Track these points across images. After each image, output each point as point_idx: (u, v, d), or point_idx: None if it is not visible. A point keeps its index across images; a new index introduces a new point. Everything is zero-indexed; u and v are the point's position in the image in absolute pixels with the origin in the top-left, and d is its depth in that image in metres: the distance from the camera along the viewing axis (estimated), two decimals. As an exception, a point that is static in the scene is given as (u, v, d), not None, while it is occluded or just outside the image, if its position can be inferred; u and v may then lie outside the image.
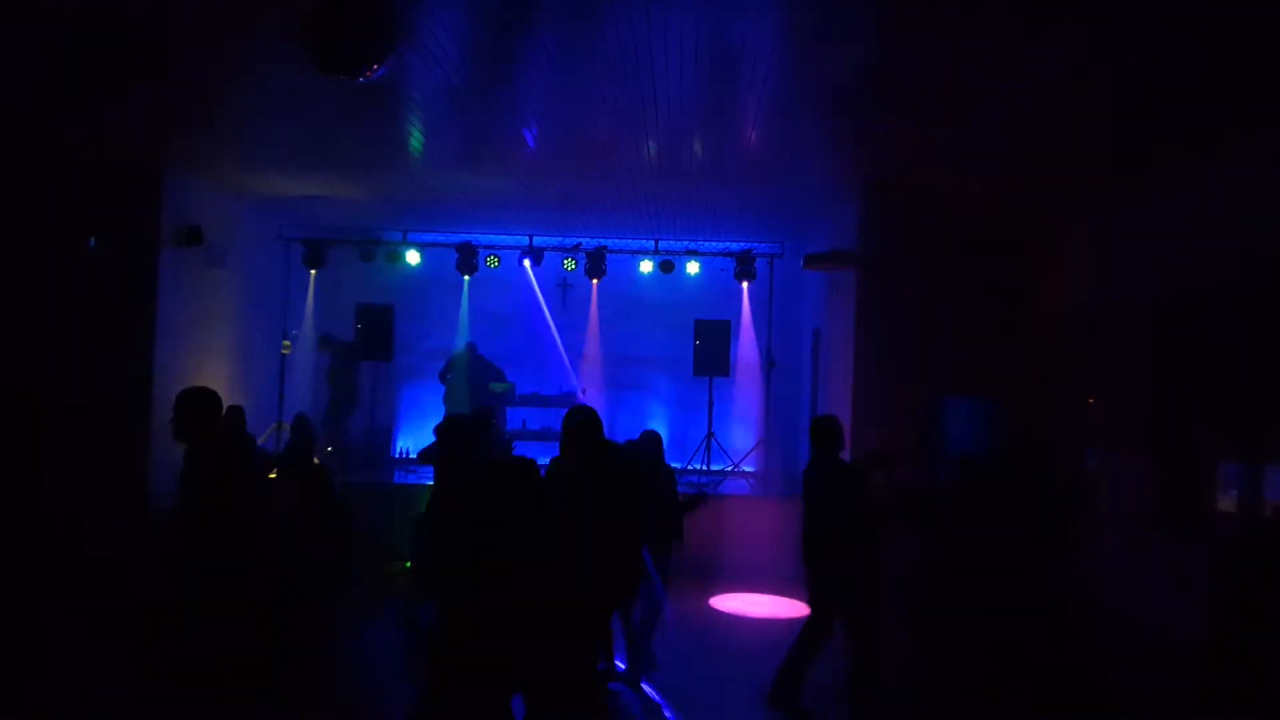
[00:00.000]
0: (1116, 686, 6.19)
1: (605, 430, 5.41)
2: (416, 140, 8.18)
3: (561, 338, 13.62)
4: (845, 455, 6.66)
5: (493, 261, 12.91)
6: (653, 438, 7.31)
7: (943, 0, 4.93)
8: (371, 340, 12.47)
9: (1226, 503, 6.56)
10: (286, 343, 12.39)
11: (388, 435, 12.83)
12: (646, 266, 13.08)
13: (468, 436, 6.80)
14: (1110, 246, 8.19)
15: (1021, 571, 6.05)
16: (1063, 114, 6.57)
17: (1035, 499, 6.22)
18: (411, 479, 11.13)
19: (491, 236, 12.90)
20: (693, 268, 13.06)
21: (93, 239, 8.87)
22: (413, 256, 12.92)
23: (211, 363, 10.20)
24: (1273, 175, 6.11)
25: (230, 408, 9.98)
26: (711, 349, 12.32)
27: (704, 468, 12.22)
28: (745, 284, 12.78)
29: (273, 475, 8.07)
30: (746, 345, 13.08)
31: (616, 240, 12.91)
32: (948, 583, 6.48)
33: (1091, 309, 8.33)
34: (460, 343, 13.00)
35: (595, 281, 12.95)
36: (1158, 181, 7.39)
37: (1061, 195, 8.49)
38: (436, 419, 12.65)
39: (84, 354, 8.68)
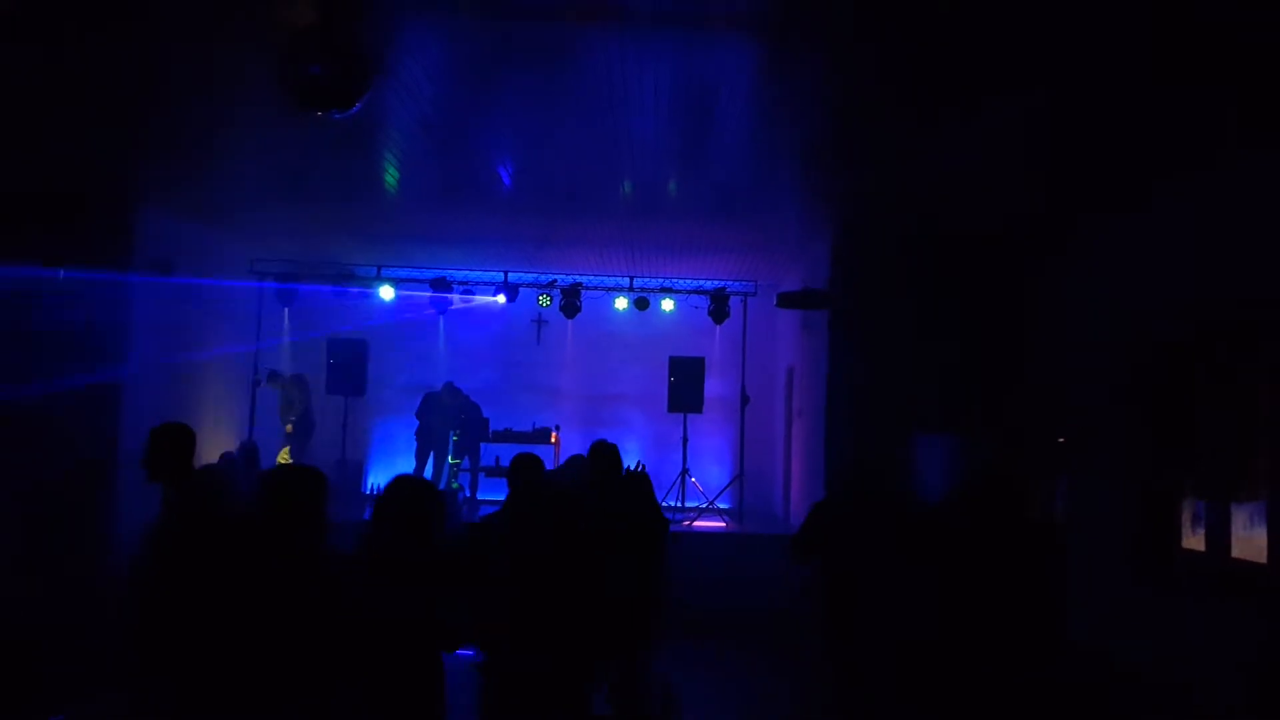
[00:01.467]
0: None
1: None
2: (391, 177, 8.19)
3: (536, 374, 13.59)
4: None
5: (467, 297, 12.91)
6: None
7: (912, 45, 5.02)
8: (344, 375, 12.38)
9: (1195, 540, 6.62)
10: (258, 378, 12.26)
11: (359, 471, 12.69)
12: (621, 304, 13.12)
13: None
14: (1083, 285, 8.29)
15: (997, 608, 6.05)
16: (1034, 156, 6.70)
17: (1007, 537, 6.24)
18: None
19: (466, 272, 12.90)
20: (667, 305, 13.10)
21: (62, 270, 8.78)
22: (386, 292, 12.89)
23: (182, 396, 10.06)
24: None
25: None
26: (686, 386, 12.32)
27: (679, 504, 12.18)
28: (719, 322, 12.84)
29: None
30: (720, 382, 13.11)
31: (592, 277, 12.94)
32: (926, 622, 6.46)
33: (1065, 347, 8.43)
34: (437, 378, 12.92)
35: (570, 318, 12.97)
36: (1137, 220, 7.50)
37: (1034, 236, 8.61)
38: (409, 455, 12.65)
39: (53, 386, 8.55)
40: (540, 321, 13.55)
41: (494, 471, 12.23)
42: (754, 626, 9.12)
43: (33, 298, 8.66)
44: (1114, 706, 6.48)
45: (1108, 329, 7.69)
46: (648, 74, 5.54)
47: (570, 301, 12.78)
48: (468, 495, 12.39)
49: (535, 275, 12.93)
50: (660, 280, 12.98)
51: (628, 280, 12.95)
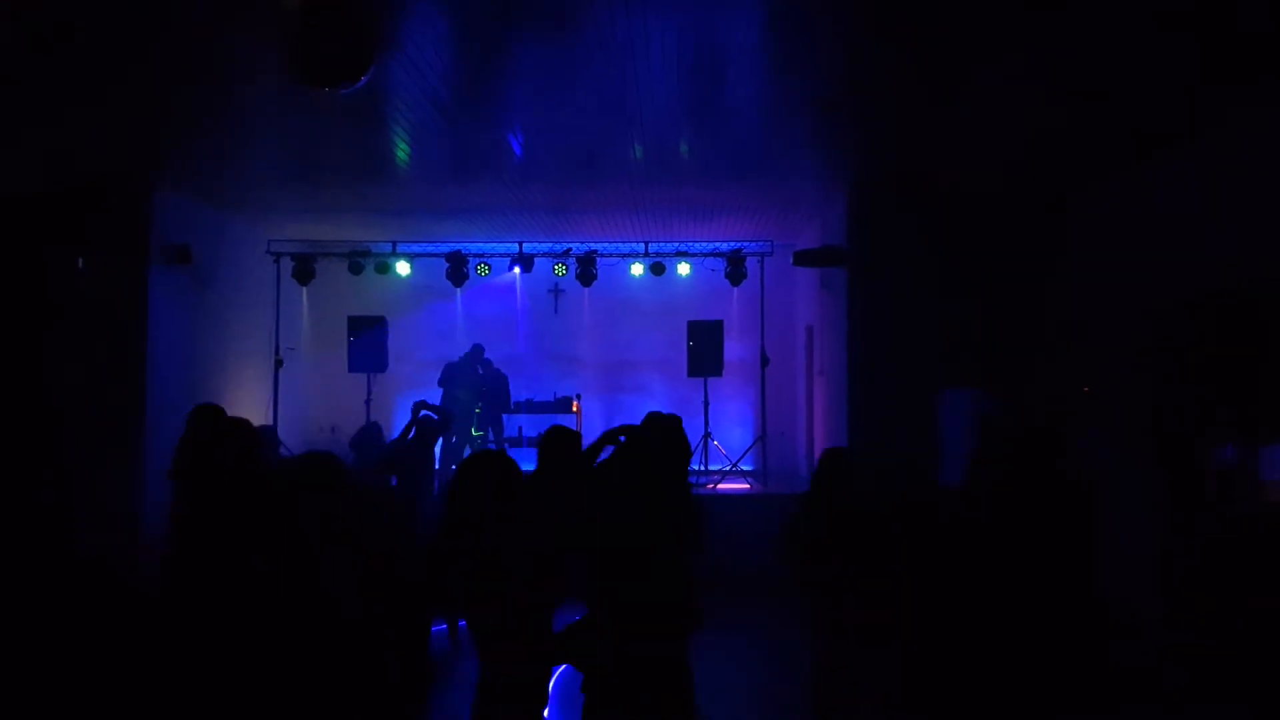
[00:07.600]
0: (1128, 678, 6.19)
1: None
2: (403, 151, 8.18)
3: (555, 343, 13.62)
4: None
5: (483, 269, 12.90)
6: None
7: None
8: (366, 352, 12.45)
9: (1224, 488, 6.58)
10: (279, 359, 12.35)
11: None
12: (637, 269, 13.08)
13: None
14: (1104, 238, 8.20)
15: (1038, 564, 5.99)
16: (1053, 106, 6.59)
17: (1051, 489, 6.15)
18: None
19: (481, 245, 12.89)
20: (684, 269, 13.05)
21: (81, 259, 8.85)
22: (402, 267, 12.91)
23: (205, 380, 10.17)
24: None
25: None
26: (705, 349, 12.31)
27: (702, 468, 12.21)
28: (736, 284, 12.77)
29: None
30: (740, 344, 13.08)
31: (607, 244, 12.90)
32: (958, 578, 6.42)
33: (1085, 300, 8.35)
34: (457, 351, 12.92)
35: (587, 287, 12.95)
36: (1156, 173, 7.39)
37: (1052, 190, 8.51)
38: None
39: (76, 374, 8.66)
40: (557, 291, 13.55)
41: (516, 442, 12.32)
42: (779, 587, 9.14)
43: (54, 284, 8.76)
44: (1142, 658, 6.49)
45: (1127, 280, 7.61)
46: (654, 32, 5.48)
47: (586, 270, 12.74)
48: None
49: (550, 245, 12.90)
50: (676, 244, 12.92)
51: (643, 246, 12.90)
